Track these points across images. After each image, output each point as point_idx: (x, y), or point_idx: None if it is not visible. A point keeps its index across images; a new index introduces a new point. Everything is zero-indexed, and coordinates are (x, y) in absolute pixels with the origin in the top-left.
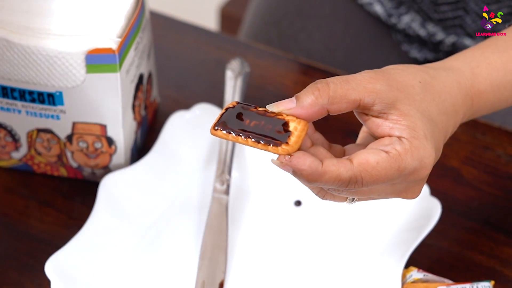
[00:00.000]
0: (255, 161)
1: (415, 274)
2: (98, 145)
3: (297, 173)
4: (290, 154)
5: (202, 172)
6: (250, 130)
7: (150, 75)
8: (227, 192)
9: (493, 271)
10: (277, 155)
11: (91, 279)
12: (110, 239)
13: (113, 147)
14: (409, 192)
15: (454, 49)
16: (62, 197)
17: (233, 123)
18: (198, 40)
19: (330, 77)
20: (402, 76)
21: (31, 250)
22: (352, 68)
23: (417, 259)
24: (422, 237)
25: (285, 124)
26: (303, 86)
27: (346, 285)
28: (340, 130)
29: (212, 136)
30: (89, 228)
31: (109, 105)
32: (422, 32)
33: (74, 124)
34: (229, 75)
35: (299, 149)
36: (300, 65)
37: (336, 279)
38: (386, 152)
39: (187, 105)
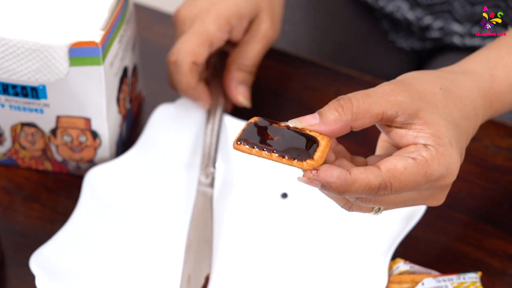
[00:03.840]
0: (240, 153)
1: (402, 266)
2: (82, 138)
3: (326, 186)
4: (316, 169)
5: (187, 165)
6: (273, 144)
7: (135, 68)
8: (211, 185)
9: (481, 263)
10: (302, 172)
11: (76, 273)
12: (95, 233)
13: (97, 140)
14: (435, 199)
15: (442, 35)
16: (47, 192)
17: (255, 137)
18: None
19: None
20: (422, 85)
21: (15, 245)
22: (340, 59)
23: (403, 251)
24: (409, 229)
25: (309, 140)
26: (290, 77)
27: (333, 277)
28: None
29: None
30: (74, 222)
31: (93, 98)
32: (410, 15)
33: (58, 117)
34: None
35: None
36: (287, 56)
37: (322, 271)
38: (413, 158)
39: (172, 98)
